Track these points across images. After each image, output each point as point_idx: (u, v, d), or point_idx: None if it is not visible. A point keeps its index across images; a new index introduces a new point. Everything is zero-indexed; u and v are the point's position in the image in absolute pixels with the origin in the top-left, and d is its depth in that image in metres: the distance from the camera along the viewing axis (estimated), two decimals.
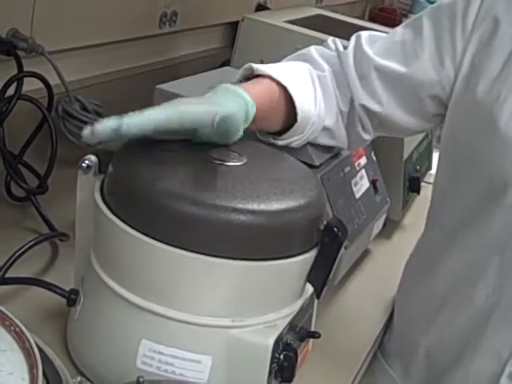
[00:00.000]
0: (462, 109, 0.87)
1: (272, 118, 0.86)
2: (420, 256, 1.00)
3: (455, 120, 0.89)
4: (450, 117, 0.90)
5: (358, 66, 0.92)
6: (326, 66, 0.94)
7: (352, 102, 0.93)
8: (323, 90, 0.92)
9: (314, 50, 0.96)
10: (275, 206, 0.66)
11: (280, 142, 0.89)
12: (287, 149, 0.89)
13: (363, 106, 0.92)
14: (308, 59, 0.94)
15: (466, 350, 0.88)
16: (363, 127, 0.95)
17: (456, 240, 0.89)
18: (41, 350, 0.62)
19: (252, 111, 0.77)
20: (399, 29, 0.94)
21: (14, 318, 0.63)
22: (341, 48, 0.95)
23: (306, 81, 0.91)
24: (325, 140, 0.94)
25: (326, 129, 0.93)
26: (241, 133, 0.74)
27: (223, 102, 0.73)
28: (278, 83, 0.85)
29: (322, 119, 0.91)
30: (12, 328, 0.62)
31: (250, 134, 0.86)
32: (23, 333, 0.61)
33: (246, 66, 0.87)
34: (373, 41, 0.94)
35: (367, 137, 0.97)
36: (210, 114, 0.69)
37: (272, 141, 0.89)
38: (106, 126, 0.65)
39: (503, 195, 0.82)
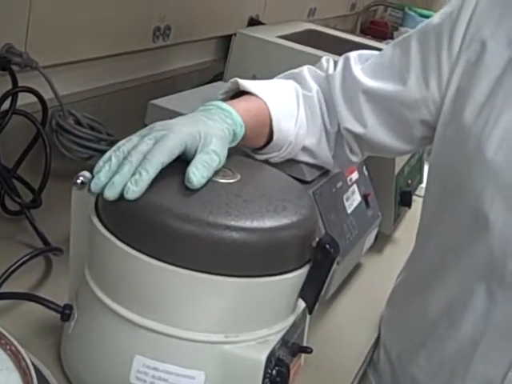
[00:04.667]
0: (450, 133, 0.86)
1: (259, 136, 0.87)
2: (410, 278, 0.99)
3: (442, 144, 0.88)
4: (437, 140, 0.89)
5: (346, 89, 0.92)
6: (314, 87, 0.94)
7: (339, 124, 0.93)
8: (308, 111, 0.92)
9: (306, 70, 0.96)
10: (268, 223, 0.67)
11: (258, 157, 0.89)
12: (279, 164, 0.90)
13: (348, 130, 0.93)
14: (298, 78, 0.95)
15: (455, 377, 0.87)
16: (351, 150, 0.96)
17: (444, 267, 0.88)
18: (36, 369, 0.62)
19: (241, 132, 0.78)
20: (388, 49, 0.93)
21: (9, 336, 0.63)
22: (331, 70, 0.95)
23: (290, 100, 0.91)
24: (305, 158, 0.95)
25: (305, 149, 0.93)
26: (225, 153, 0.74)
27: (211, 123, 0.74)
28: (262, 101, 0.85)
29: (302, 139, 0.91)
30: (8, 347, 0.62)
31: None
32: (19, 351, 0.61)
33: (233, 80, 0.87)
34: (362, 61, 0.94)
35: (355, 159, 0.97)
36: (196, 139, 0.70)
37: (251, 154, 0.89)
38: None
39: (485, 228, 0.80)
